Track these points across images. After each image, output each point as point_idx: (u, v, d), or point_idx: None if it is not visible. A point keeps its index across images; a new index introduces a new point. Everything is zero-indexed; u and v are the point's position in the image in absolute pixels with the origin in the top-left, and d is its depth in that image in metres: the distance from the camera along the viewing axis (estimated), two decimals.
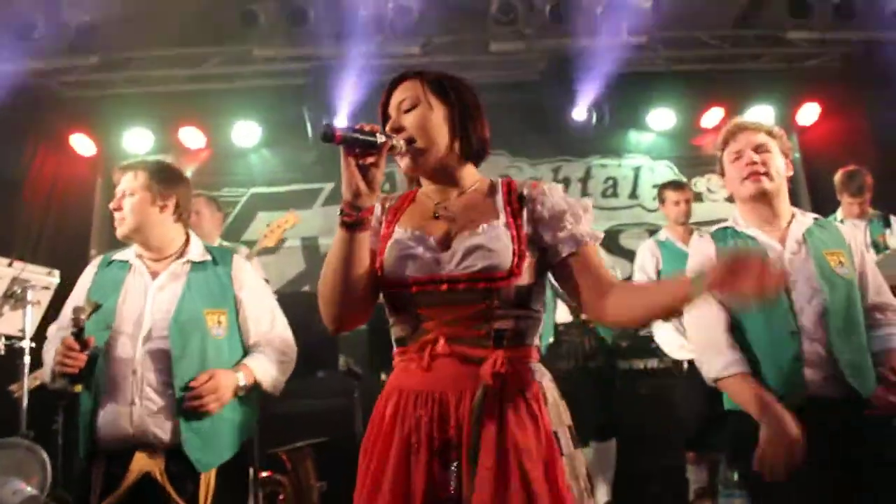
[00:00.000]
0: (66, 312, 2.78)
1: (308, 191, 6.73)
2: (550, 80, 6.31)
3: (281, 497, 4.26)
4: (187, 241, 2.87)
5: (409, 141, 1.81)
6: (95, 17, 5.81)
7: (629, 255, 6.55)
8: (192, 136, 6.59)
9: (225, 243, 5.00)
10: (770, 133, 2.72)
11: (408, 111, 1.84)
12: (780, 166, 2.68)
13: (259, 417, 3.68)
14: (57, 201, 6.40)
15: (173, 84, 6.48)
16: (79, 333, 2.58)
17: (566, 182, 6.85)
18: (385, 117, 1.88)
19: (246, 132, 6.54)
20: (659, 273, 5.05)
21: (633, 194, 6.83)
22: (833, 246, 2.61)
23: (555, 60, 6.23)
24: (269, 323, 2.88)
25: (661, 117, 6.63)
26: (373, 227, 1.83)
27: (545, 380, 1.83)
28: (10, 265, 4.39)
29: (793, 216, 2.69)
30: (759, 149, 2.67)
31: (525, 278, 1.77)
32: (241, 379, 2.72)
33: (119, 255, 2.86)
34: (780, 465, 2.30)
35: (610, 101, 6.36)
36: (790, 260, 2.56)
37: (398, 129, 1.83)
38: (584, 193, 6.79)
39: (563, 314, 5.06)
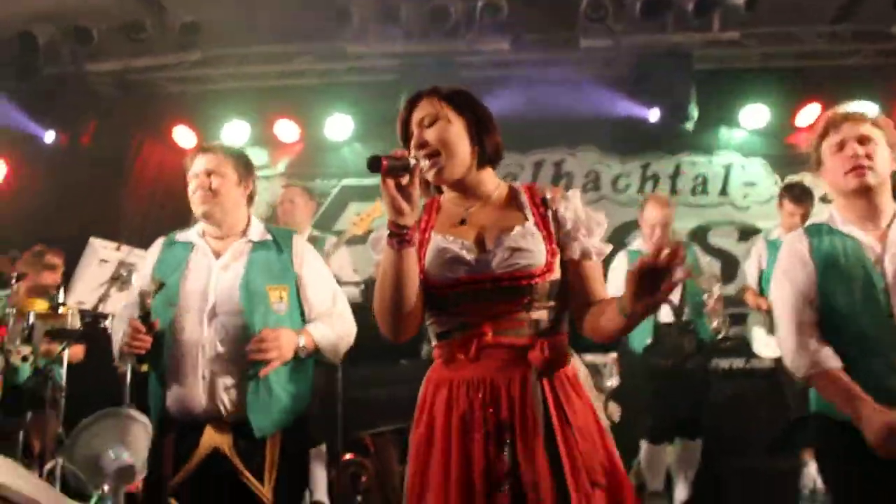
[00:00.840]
0: (135, 291, 2.88)
1: None
2: (641, 77, 6.27)
3: (363, 479, 4.39)
4: (249, 222, 2.95)
5: (434, 154, 1.95)
6: (198, 16, 6.08)
7: (717, 254, 6.48)
8: (287, 130, 6.81)
9: (316, 233, 5.17)
10: (875, 123, 2.53)
11: (429, 126, 1.98)
12: (886, 159, 2.50)
13: (344, 402, 3.83)
14: (160, 190, 6.71)
15: (270, 79, 6.71)
16: (145, 316, 2.68)
17: (655, 179, 6.78)
18: (406, 134, 2.02)
19: (339, 126, 6.71)
20: (761, 273, 4.99)
21: (724, 192, 6.71)
22: None
23: (645, 57, 6.18)
24: (329, 301, 2.94)
25: (754, 114, 6.48)
26: None
27: (577, 361, 2.00)
28: (117, 249, 4.66)
29: (894, 215, 2.52)
30: (863, 140, 2.49)
31: (556, 273, 1.95)
32: (302, 339, 2.78)
33: (182, 236, 2.93)
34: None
35: (701, 97, 6.26)
36: (892, 261, 2.40)
37: (423, 145, 1.96)
38: (673, 190, 6.70)
39: (665, 315, 5.03)
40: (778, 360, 4.86)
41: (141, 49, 6.31)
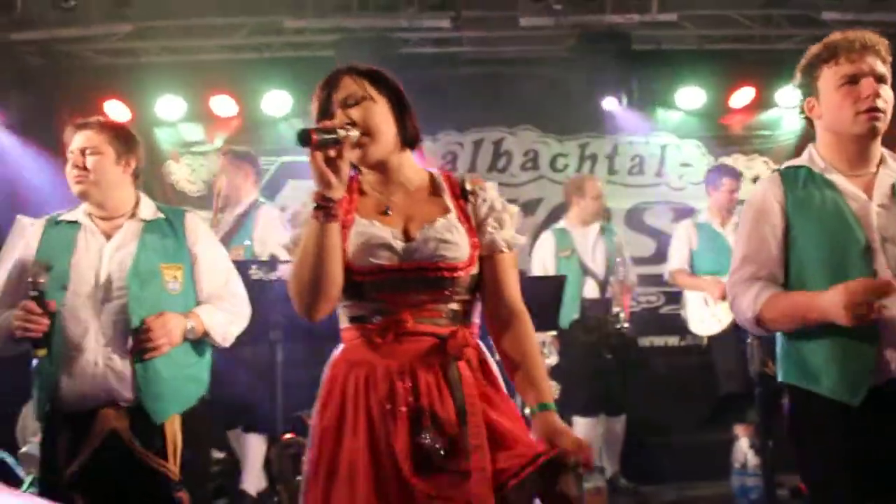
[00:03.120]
0: (9, 276, 2.78)
1: None
2: (579, 57, 6.30)
3: (304, 458, 4.36)
4: (137, 201, 2.89)
5: (361, 134, 1.90)
6: None
7: (653, 233, 6.60)
8: (223, 105, 6.66)
9: (262, 199, 5.04)
10: (885, 58, 2.26)
11: (353, 106, 1.93)
12: (892, 100, 2.26)
13: (281, 384, 3.80)
14: None
15: (206, 53, 6.54)
16: (40, 296, 2.57)
17: (593, 158, 6.85)
18: (325, 114, 1.94)
19: (276, 102, 6.59)
20: (692, 255, 5.12)
21: (659, 172, 6.82)
22: None
23: (584, 37, 6.21)
24: (222, 278, 2.92)
25: (690, 96, 6.58)
26: None
27: (485, 350, 2.03)
28: None
29: (881, 160, 2.29)
30: (881, 79, 2.23)
31: (476, 267, 1.98)
32: (190, 322, 2.74)
33: (66, 216, 2.84)
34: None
35: (638, 78, 6.34)
36: (878, 213, 2.20)
37: (350, 124, 1.90)
38: (611, 171, 6.78)
39: (590, 290, 5.14)
40: (712, 338, 5.00)
41: (69, 18, 6.08)
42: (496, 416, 1.87)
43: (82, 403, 2.64)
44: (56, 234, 2.80)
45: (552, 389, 2.02)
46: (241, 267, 3.25)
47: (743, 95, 6.58)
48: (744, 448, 4.66)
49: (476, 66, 6.81)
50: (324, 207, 1.80)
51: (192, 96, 6.59)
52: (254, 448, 4.48)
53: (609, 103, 6.45)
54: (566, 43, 6.37)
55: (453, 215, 1.97)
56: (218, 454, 4.52)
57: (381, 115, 1.95)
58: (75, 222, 2.81)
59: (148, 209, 2.88)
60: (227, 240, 4.47)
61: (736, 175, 5.27)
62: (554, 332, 4.83)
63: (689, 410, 5.06)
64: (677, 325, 5.51)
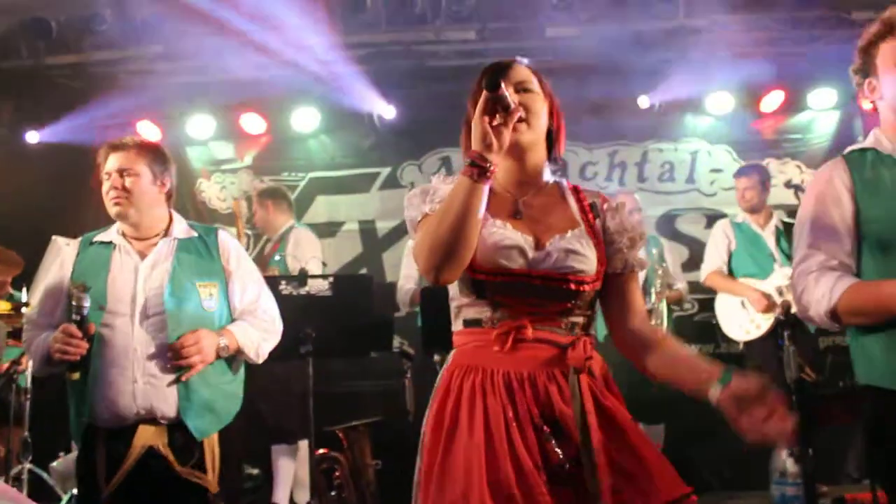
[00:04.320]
0: (45, 297, 2.82)
1: (365, 175, 6.82)
2: (607, 65, 6.27)
3: (337, 474, 4.37)
4: (171, 220, 2.92)
5: (521, 120, 1.89)
6: (159, 7, 5.97)
7: (684, 240, 6.53)
8: (252, 122, 6.73)
9: (296, 224, 5.23)
10: None
11: (521, 92, 1.93)
12: None
13: (315, 396, 3.81)
14: None
15: (234, 72, 6.61)
16: (82, 321, 2.60)
17: (622, 166, 6.80)
18: (496, 85, 1.79)
19: (305, 118, 6.65)
20: (731, 255, 5.02)
21: (690, 179, 6.75)
22: None
23: (611, 45, 6.18)
24: (255, 294, 2.93)
25: (720, 101, 6.53)
26: None
27: (607, 366, 1.99)
28: None
29: None
30: None
31: (600, 284, 1.96)
32: (223, 340, 2.76)
33: (101, 237, 2.87)
34: None
35: (665, 84, 6.30)
36: None
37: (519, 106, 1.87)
38: (641, 178, 6.73)
39: None
40: (748, 344, 4.91)
41: (101, 42, 6.19)
42: (622, 441, 1.83)
43: (122, 420, 2.66)
44: (91, 254, 2.83)
45: None
46: (271, 282, 3.28)
47: (773, 99, 6.51)
48: (783, 456, 4.58)
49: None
50: (481, 166, 1.76)
51: (222, 114, 6.66)
52: (285, 463, 4.50)
53: (637, 111, 6.40)
54: (593, 51, 6.33)
55: (582, 229, 1.95)
56: (250, 469, 4.54)
57: (542, 109, 1.96)
58: (109, 243, 2.83)
59: (181, 228, 2.91)
60: (264, 262, 4.64)
61: (748, 172, 5.16)
62: None
63: (727, 419, 4.98)
64: (712, 333, 5.44)
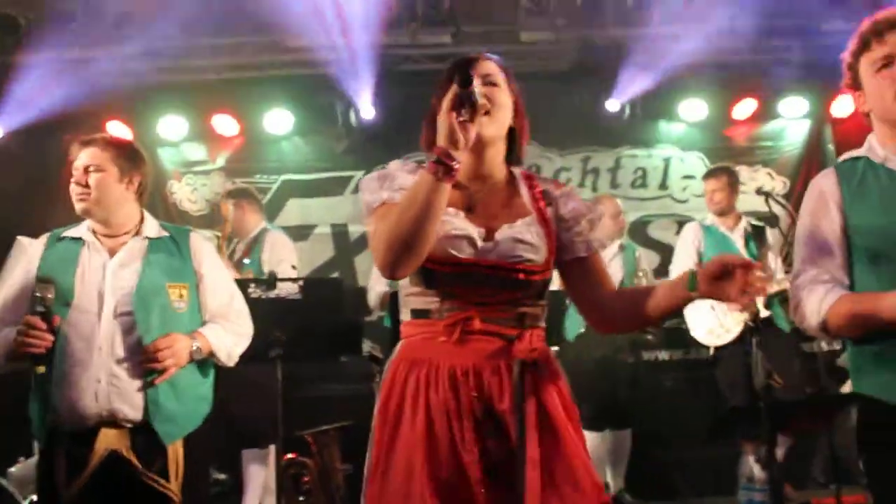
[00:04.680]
0: (8, 294, 2.76)
1: (339, 178, 6.79)
2: (581, 71, 6.30)
3: (306, 479, 4.33)
4: (142, 219, 2.88)
5: (485, 113, 1.88)
6: (131, 6, 5.91)
7: (658, 246, 6.56)
8: (225, 124, 6.68)
9: (268, 226, 5.14)
10: None
11: (487, 85, 1.92)
12: None
13: (284, 400, 3.78)
14: None
15: (207, 73, 6.56)
16: (46, 313, 2.56)
17: (595, 172, 6.84)
18: (466, 80, 1.80)
19: (278, 120, 6.61)
20: (700, 256, 5.02)
21: (663, 185, 6.80)
22: None
23: (585, 51, 6.22)
24: (227, 297, 2.91)
25: (693, 108, 6.58)
26: None
27: (553, 355, 1.99)
28: None
29: None
30: None
31: (550, 274, 1.96)
32: (196, 343, 2.74)
33: (70, 232, 2.83)
34: None
35: (640, 91, 6.33)
36: None
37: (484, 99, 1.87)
38: (614, 184, 6.76)
39: None
40: (719, 349, 4.93)
41: (73, 39, 6.11)
42: (557, 448, 1.83)
43: (83, 422, 2.61)
44: (59, 250, 2.78)
45: None
46: (240, 285, 3.24)
47: (745, 107, 6.58)
48: (750, 462, 4.61)
49: None
50: (445, 165, 1.76)
51: (194, 116, 6.61)
52: (255, 468, 4.45)
53: (610, 117, 6.43)
54: (567, 57, 6.36)
55: (532, 218, 1.95)
56: (217, 475, 4.49)
57: (507, 103, 1.95)
58: (79, 238, 2.79)
59: (152, 227, 2.87)
60: (238, 265, 4.63)
61: (717, 174, 5.14)
62: (555, 347, 4.80)
63: (695, 425, 5.00)
64: (681, 339, 5.46)
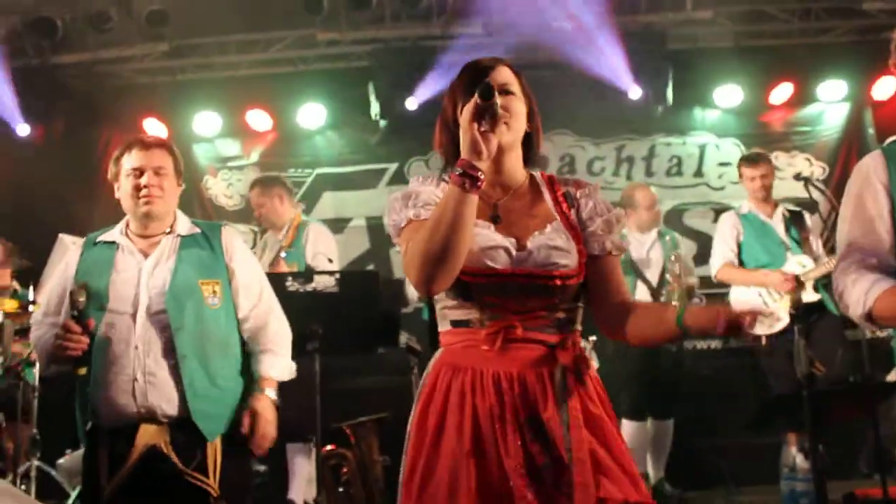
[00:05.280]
0: (51, 298, 2.81)
1: (373, 171, 6.81)
2: (614, 59, 6.24)
3: (345, 470, 4.35)
4: (175, 216, 2.90)
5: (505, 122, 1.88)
6: (165, 5, 5.97)
7: (693, 235, 6.49)
8: (259, 119, 6.73)
9: (307, 218, 5.14)
10: None
11: (504, 94, 1.90)
12: None
13: (322, 392, 3.80)
14: None
15: (240, 69, 6.62)
16: (79, 316, 2.58)
17: (630, 161, 6.77)
18: (486, 88, 1.80)
19: (311, 114, 6.64)
20: (740, 246, 4.94)
21: (699, 172, 6.72)
22: None
23: (618, 38, 6.15)
24: (258, 293, 2.91)
25: (728, 94, 6.48)
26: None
27: (587, 352, 2.03)
28: None
29: None
30: None
31: (583, 276, 1.94)
32: (273, 393, 2.83)
33: (105, 237, 2.85)
34: None
35: (675, 77, 6.26)
36: None
37: (503, 108, 1.86)
38: (649, 172, 6.70)
39: (641, 294, 5.03)
40: (769, 337, 4.84)
41: (108, 40, 6.20)
42: (601, 439, 1.84)
43: (123, 419, 2.64)
44: (94, 255, 2.82)
45: None
46: (277, 279, 3.26)
47: (782, 91, 6.47)
48: (793, 451, 4.55)
49: None
50: (471, 176, 1.76)
51: (228, 112, 6.67)
52: (299, 459, 4.49)
53: (645, 104, 6.37)
54: (600, 44, 6.31)
55: (559, 222, 1.95)
56: (259, 467, 4.53)
57: (522, 110, 1.94)
58: (113, 243, 2.82)
59: (184, 225, 2.89)
60: (277, 258, 4.56)
61: (762, 159, 5.05)
62: (594, 337, 4.77)
63: (737, 414, 4.94)
64: None
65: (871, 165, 2.16)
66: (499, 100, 1.80)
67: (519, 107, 1.93)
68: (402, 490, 1.86)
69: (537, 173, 2.05)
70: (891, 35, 2.22)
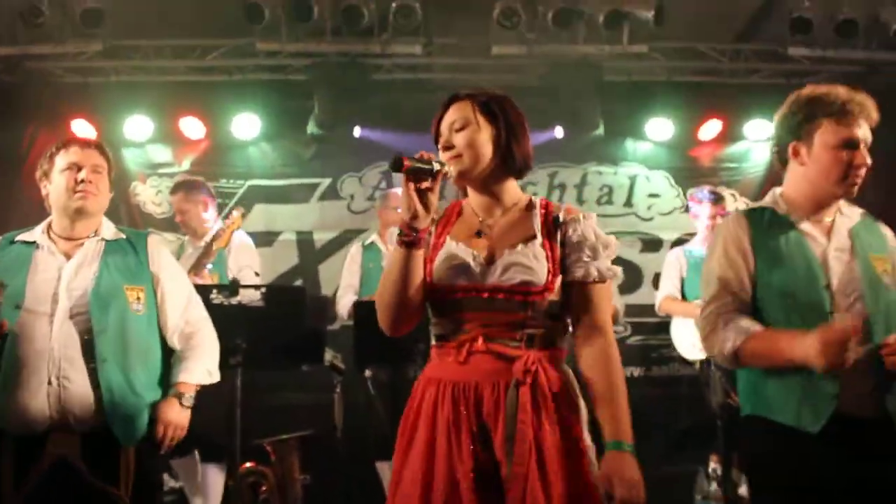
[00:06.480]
0: None
1: (305, 185, 6.74)
2: (550, 86, 6.34)
3: (263, 488, 4.29)
4: (99, 221, 2.88)
5: (457, 156, 2.03)
6: (101, 3, 5.84)
7: (621, 263, 6.56)
8: (192, 127, 6.60)
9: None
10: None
11: (458, 130, 2.04)
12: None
13: (243, 408, 3.74)
14: None
15: (176, 74, 6.50)
16: None
17: (562, 188, 6.86)
18: (438, 134, 2.09)
19: (246, 125, 6.54)
20: (683, 282, 5.16)
21: (628, 202, 6.84)
22: (879, 250, 2.35)
23: (555, 66, 6.26)
24: (184, 302, 2.91)
25: (659, 127, 6.64)
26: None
27: (570, 377, 2.05)
28: None
29: (838, 207, 2.40)
30: (867, 145, 2.34)
31: (556, 294, 2.02)
32: (188, 399, 2.81)
33: (24, 236, 2.81)
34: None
35: (608, 109, 6.39)
36: (836, 257, 2.30)
37: (449, 147, 2.05)
38: (580, 200, 6.80)
39: None
40: (703, 363, 4.99)
41: (39, 35, 6.01)
42: (540, 462, 1.88)
43: (32, 426, 2.57)
44: (11, 253, 2.76)
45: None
46: (202, 291, 3.21)
47: (711, 128, 6.65)
48: (707, 479, 4.65)
49: (447, 93, 6.79)
50: (407, 237, 1.91)
51: (161, 117, 6.52)
52: (213, 477, 4.38)
53: (579, 133, 6.48)
54: (538, 72, 6.40)
55: (538, 242, 2.03)
56: (172, 483, 4.42)
57: (481, 141, 2.04)
58: (33, 242, 2.76)
59: (109, 229, 2.86)
60: (198, 267, 4.46)
61: (718, 199, 5.34)
62: None
63: (652, 442, 5.04)
64: (640, 356, 5.52)
65: (736, 223, 2.40)
66: (445, 135, 2.03)
67: (474, 136, 2.04)
68: (389, 496, 2.02)
69: (537, 199, 2.14)
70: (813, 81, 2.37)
